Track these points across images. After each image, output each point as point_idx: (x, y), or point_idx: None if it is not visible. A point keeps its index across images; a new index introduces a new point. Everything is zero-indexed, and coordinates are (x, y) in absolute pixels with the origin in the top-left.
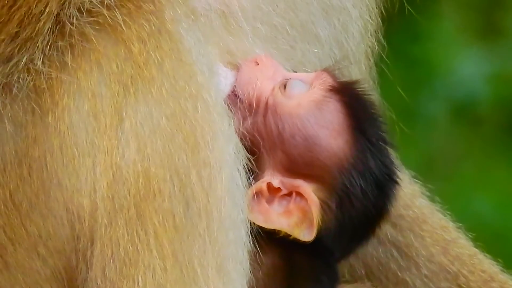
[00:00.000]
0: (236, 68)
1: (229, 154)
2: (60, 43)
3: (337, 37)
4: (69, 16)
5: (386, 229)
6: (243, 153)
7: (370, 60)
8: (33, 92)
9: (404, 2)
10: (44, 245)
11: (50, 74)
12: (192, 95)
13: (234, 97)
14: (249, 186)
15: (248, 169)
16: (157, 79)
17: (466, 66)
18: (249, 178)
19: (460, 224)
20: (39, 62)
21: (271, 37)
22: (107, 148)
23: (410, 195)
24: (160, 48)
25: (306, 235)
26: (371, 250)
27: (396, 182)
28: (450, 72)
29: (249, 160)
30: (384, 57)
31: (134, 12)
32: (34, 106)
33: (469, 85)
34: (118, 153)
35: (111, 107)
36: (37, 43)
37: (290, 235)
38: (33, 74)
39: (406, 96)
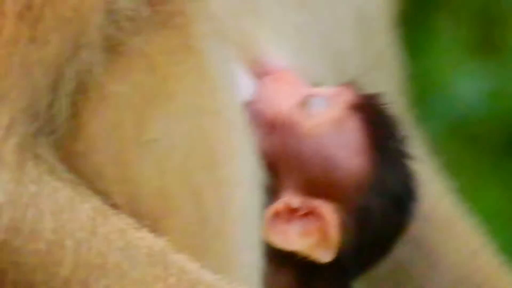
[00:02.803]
0: (257, 79)
1: (247, 173)
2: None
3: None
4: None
5: (412, 227)
6: (261, 172)
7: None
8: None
9: (400, 17)
10: None
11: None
12: (213, 111)
13: (252, 111)
14: (266, 206)
15: (265, 188)
16: (178, 93)
17: (463, 83)
18: (267, 198)
19: None
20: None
21: (296, 46)
22: (126, 161)
23: (437, 194)
24: (183, 62)
25: (325, 256)
26: (396, 250)
27: (416, 200)
28: (447, 88)
29: (267, 180)
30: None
31: (160, 22)
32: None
33: (466, 102)
34: (135, 167)
35: (133, 118)
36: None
37: (308, 257)
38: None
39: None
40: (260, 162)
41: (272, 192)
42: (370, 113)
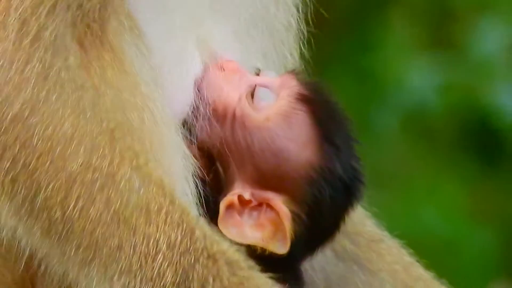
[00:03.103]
0: (204, 68)
1: (177, 165)
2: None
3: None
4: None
5: (345, 245)
6: (191, 162)
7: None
8: None
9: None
10: None
11: None
12: (137, 106)
13: (200, 101)
14: (198, 195)
15: (218, 181)
16: (99, 88)
17: (416, 77)
18: (219, 191)
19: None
20: None
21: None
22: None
23: (363, 215)
24: (101, 58)
25: (280, 248)
26: (332, 266)
27: (363, 182)
28: (400, 83)
29: (219, 172)
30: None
31: (78, 18)
32: None
33: (419, 96)
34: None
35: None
36: None
37: (265, 251)
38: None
39: (355, 107)
40: (210, 153)
41: (225, 184)
42: (316, 103)
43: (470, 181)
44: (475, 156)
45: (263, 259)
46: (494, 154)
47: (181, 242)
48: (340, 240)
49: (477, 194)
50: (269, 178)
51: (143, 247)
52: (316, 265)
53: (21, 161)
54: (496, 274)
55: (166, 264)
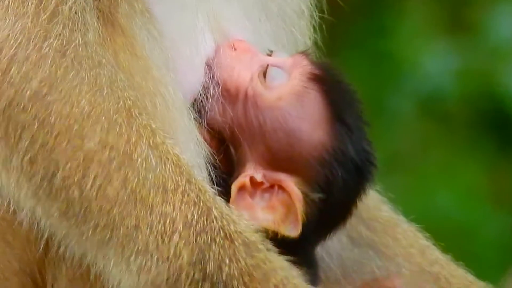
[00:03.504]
0: (216, 47)
1: (190, 151)
2: None
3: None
4: None
5: (360, 230)
6: (203, 148)
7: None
8: None
9: None
10: None
11: None
12: (150, 91)
13: (212, 80)
14: (210, 180)
15: (230, 163)
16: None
17: (432, 61)
18: (231, 172)
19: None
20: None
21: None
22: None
23: (379, 200)
24: (113, 41)
25: (292, 230)
26: (348, 252)
27: (374, 165)
28: (416, 67)
29: (230, 152)
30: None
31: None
32: None
33: (435, 80)
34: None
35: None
36: None
37: (277, 234)
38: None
39: (372, 91)
40: (221, 134)
41: (236, 166)
42: (328, 84)
43: (486, 165)
44: (491, 140)
45: (275, 243)
46: (510, 139)
47: (197, 221)
48: (356, 226)
49: (493, 178)
50: (281, 159)
51: (160, 226)
52: (332, 252)
53: (39, 141)
54: None
55: (182, 244)
